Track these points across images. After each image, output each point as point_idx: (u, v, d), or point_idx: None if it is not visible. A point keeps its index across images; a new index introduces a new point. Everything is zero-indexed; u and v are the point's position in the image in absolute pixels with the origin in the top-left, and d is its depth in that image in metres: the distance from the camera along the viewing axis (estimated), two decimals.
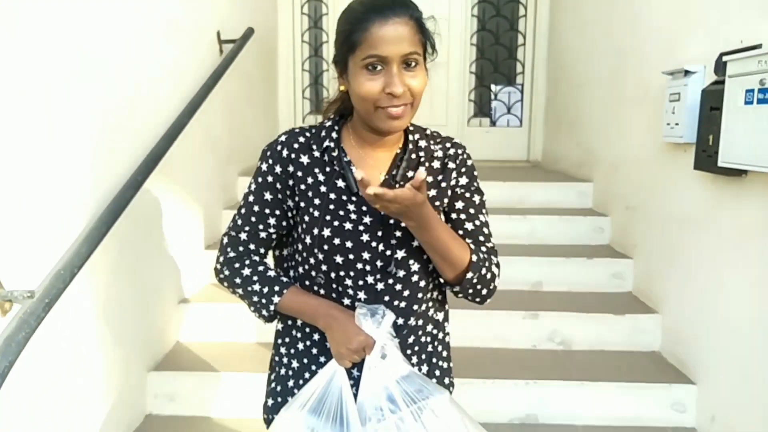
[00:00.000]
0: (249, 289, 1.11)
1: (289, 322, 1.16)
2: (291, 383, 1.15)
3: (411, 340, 1.13)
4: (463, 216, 1.15)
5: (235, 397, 2.24)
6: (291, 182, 1.09)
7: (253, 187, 1.12)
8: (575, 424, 2.19)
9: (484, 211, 1.18)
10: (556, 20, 4.08)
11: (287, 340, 1.17)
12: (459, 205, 1.15)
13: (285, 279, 1.13)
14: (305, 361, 1.13)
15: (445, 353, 1.22)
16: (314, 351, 1.12)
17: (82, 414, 1.78)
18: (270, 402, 1.18)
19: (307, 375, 1.12)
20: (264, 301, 1.10)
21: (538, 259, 2.77)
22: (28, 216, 1.47)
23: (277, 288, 1.10)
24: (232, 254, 1.14)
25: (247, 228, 1.13)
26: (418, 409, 1.01)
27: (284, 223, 1.12)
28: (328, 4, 4.32)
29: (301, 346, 1.14)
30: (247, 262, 1.13)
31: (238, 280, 1.12)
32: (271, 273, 1.13)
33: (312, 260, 1.08)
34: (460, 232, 1.14)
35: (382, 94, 0.99)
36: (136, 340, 2.14)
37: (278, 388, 1.17)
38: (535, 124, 4.34)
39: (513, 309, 2.50)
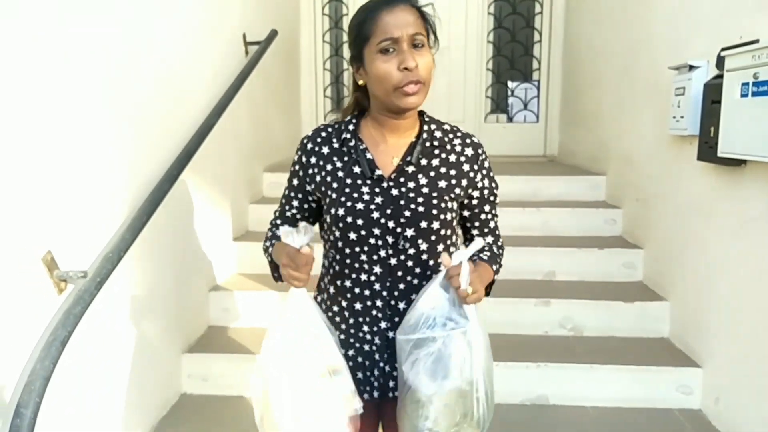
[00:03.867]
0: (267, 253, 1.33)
1: (319, 296, 1.31)
2: None
3: None
4: (489, 216, 1.32)
5: None
6: (311, 171, 1.24)
7: (289, 174, 1.33)
8: (585, 405, 2.30)
9: (497, 204, 1.34)
10: (571, 17, 4.16)
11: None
12: (487, 208, 1.31)
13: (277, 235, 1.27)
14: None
15: None
16: (337, 319, 1.26)
17: (124, 391, 1.94)
18: None
19: None
20: (270, 259, 1.31)
21: (551, 249, 2.87)
22: (79, 205, 1.64)
23: (269, 243, 1.32)
24: (268, 232, 1.35)
25: (279, 208, 1.35)
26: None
27: (305, 206, 1.30)
28: (348, 5, 4.46)
29: (327, 315, 1.26)
30: (269, 234, 1.35)
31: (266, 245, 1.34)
32: (274, 232, 1.32)
33: (332, 237, 1.22)
34: (485, 230, 1.32)
35: (398, 72, 1.11)
36: (171, 323, 2.30)
37: None
38: (551, 119, 4.42)
39: (526, 297, 2.61)
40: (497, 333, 2.57)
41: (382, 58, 1.12)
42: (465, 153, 1.24)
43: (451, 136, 1.25)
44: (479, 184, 1.26)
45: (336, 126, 1.26)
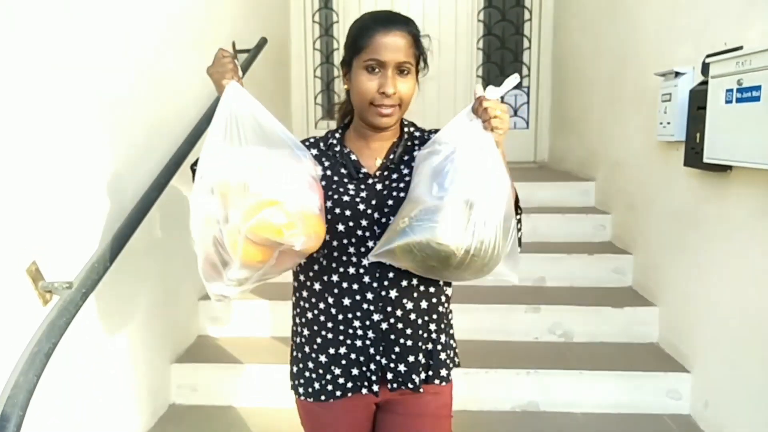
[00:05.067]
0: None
1: (297, 294, 1.29)
2: (307, 349, 1.27)
3: (424, 305, 1.24)
4: None
5: (253, 388, 2.37)
6: None
7: None
8: (574, 411, 2.30)
9: None
10: (560, 24, 4.19)
11: (298, 310, 1.30)
12: None
13: None
14: (315, 328, 1.25)
15: (449, 318, 1.34)
16: (322, 318, 1.24)
17: (112, 402, 1.93)
18: (294, 369, 1.31)
19: (318, 340, 1.25)
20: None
21: (540, 255, 2.88)
22: (64, 215, 1.63)
23: None
24: None
25: None
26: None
27: None
28: (338, 12, 4.47)
29: (309, 315, 1.26)
30: None
31: None
32: None
33: None
34: None
35: (376, 93, 1.17)
36: (160, 333, 2.29)
37: (299, 355, 1.29)
38: (541, 125, 4.44)
39: (515, 303, 2.61)
40: (487, 339, 2.57)
41: (365, 75, 1.17)
42: None
43: (427, 133, 1.33)
44: None
45: (321, 136, 1.33)
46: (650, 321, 2.54)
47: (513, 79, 1.10)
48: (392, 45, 1.15)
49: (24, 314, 1.45)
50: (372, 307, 1.21)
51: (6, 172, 1.40)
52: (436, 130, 1.32)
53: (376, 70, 1.16)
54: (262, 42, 3.27)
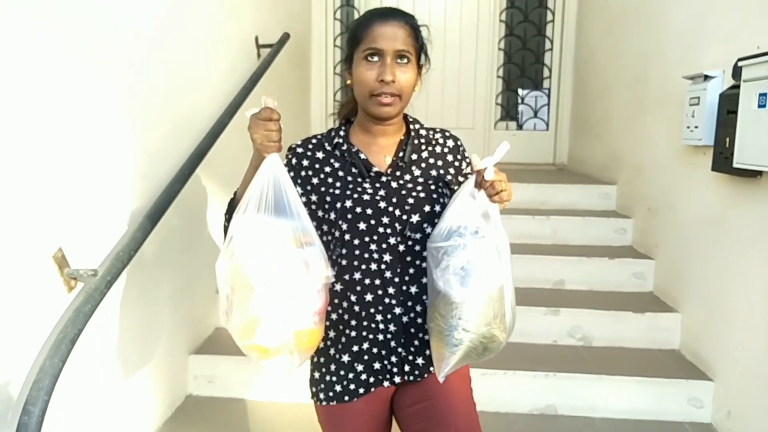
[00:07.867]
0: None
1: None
2: (332, 351, 1.27)
3: None
4: None
5: (269, 381, 2.37)
6: (304, 173, 1.28)
7: None
8: (593, 416, 2.27)
9: None
10: (583, 26, 4.15)
11: None
12: None
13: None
14: (340, 327, 1.25)
15: None
16: (346, 317, 1.24)
17: (130, 390, 1.94)
18: (317, 375, 1.30)
19: (343, 339, 1.25)
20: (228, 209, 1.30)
21: (560, 258, 2.85)
22: (90, 203, 1.64)
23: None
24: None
25: None
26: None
27: None
28: (359, 10, 4.47)
29: (334, 316, 1.26)
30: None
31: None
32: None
33: (337, 233, 1.22)
34: None
35: (375, 82, 1.18)
36: (179, 323, 2.30)
37: (321, 359, 1.29)
38: (562, 127, 4.40)
39: (535, 305, 2.59)
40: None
41: (365, 65, 1.19)
42: (447, 145, 1.34)
43: (432, 132, 1.34)
44: (464, 171, 1.35)
45: (324, 134, 1.33)
46: (672, 327, 2.51)
47: (504, 147, 1.13)
48: (390, 34, 1.17)
49: (49, 300, 1.46)
50: (394, 301, 1.23)
51: (34, 161, 1.41)
52: (441, 130, 1.35)
53: (375, 59, 1.18)
54: (285, 37, 3.28)
